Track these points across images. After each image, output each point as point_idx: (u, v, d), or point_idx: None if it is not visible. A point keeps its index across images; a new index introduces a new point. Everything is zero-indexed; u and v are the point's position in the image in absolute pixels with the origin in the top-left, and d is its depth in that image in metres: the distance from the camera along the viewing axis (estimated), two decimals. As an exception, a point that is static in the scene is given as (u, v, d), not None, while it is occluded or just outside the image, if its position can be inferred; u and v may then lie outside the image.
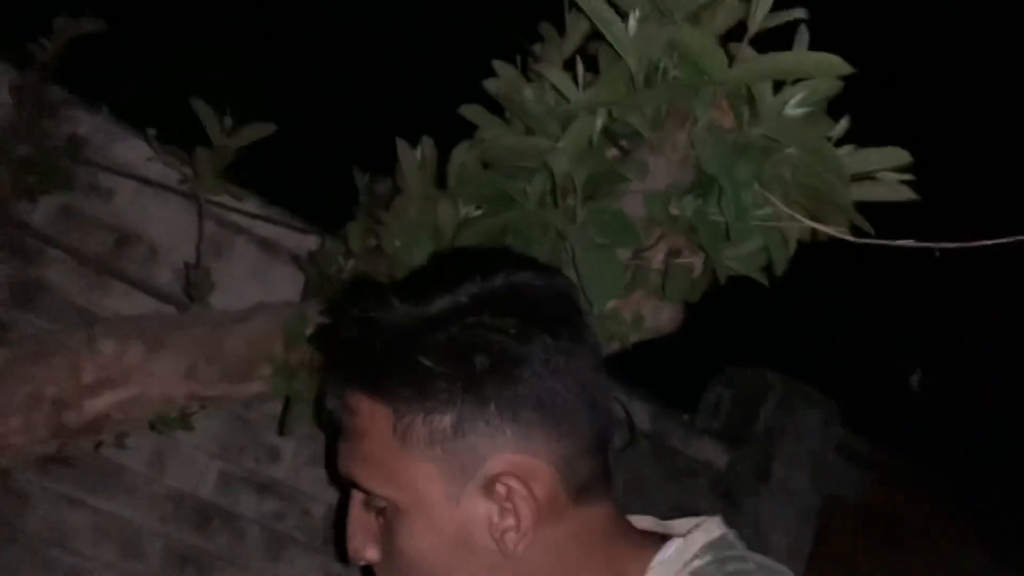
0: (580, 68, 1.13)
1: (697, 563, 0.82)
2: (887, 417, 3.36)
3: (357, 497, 0.85)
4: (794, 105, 1.03)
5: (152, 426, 1.38)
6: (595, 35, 1.35)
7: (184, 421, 1.38)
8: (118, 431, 1.38)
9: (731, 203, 1.04)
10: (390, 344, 0.79)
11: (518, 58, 1.45)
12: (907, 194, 1.12)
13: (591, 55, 1.37)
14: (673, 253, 1.20)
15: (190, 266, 1.69)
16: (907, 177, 1.13)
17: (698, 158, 1.11)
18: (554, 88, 1.37)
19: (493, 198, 1.30)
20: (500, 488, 0.78)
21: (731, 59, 1.09)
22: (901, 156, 1.10)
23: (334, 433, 0.86)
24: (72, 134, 1.91)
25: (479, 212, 1.34)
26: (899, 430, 3.34)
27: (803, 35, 1.09)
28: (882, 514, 3.13)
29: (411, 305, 0.80)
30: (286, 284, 2.44)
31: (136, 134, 2.28)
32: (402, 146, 1.41)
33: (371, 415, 0.80)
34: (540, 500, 0.79)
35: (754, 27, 1.04)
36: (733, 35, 1.16)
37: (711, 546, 0.83)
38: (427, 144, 1.42)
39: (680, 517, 0.93)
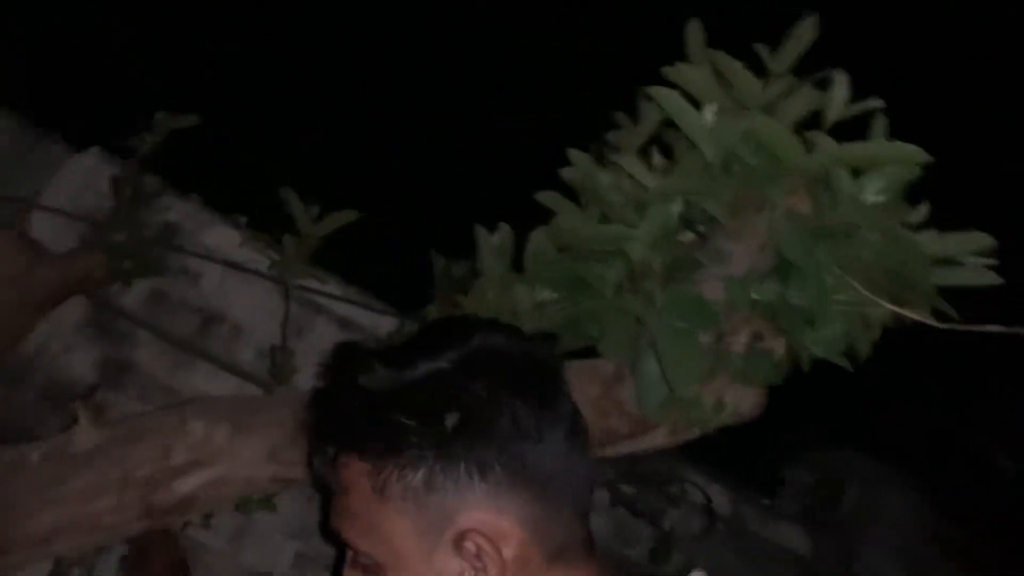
0: (655, 156, 1.15)
1: None
2: (978, 502, 3.21)
3: (348, 556, 0.88)
4: (873, 193, 1.03)
5: (237, 506, 1.40)
6: (669, 122, 1.38)
7: (267, 502, 1.41)
8: (204, 511, 1.41)
9: (812, 288, 1.04)
10: (370, 406, 0.83)
11: (592, 146, 1.49)
12: (992, 279, 1.10)
13: (666, 142, 1.40)
14: (755, 337, 1.20)
15: (275, 348, 1.74)
16: (990, 261, 1.11)
17: (777, 243, 1.11)
18: (630, 176, 1.40)
19: (569, 282, 1.31)
20: (469, 545, 0.81)
21: (808, 145, 1.11)
22: (984, 241, 1.09)
23: (323, 492, 0.90)
24: (166, 222, 2.00)
25: (555, 296, 1.36)
26: (991, 516, 3.18)
27: (880, 121, 1.09)
28: (977, 605, 2.96)
29: (394, 370, 0.84)
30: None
31: (225, 220, 2.39)
32: (480, 232, 1.45)
33: (353, 472, 0.84)
34: (507, 560, 0.80)
35: (831, 117, 1.05)
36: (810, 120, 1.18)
37: None
38: (504, 230, 1.45)
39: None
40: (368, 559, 0.84)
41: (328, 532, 0.89)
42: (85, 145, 2.38)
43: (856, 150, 1.03)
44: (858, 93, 1.14)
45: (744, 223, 1.12)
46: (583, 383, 1.34)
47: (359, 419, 0.84)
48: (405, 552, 0.82)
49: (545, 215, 1.55)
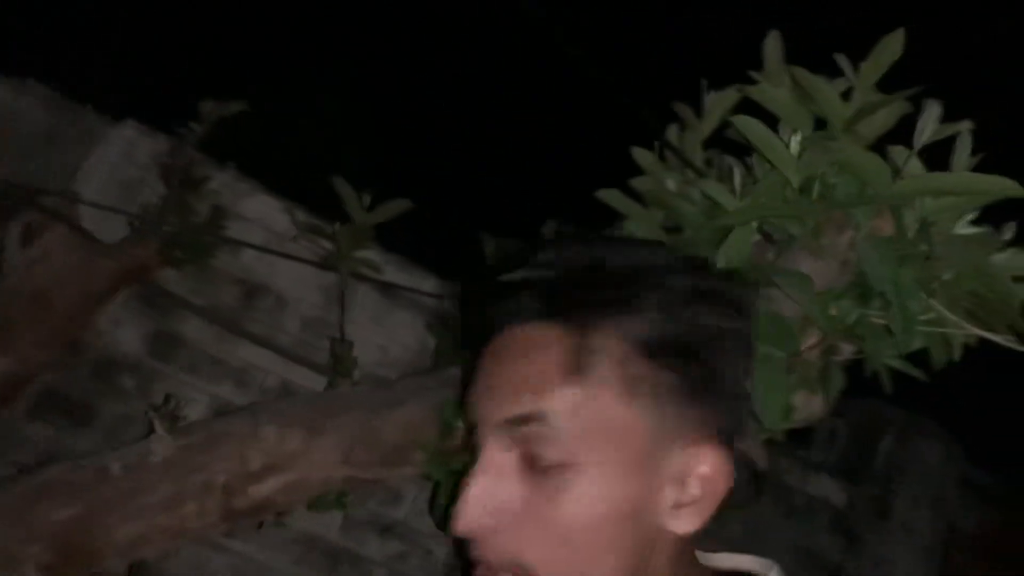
0: (737, 178, 1.14)
1: None
2: (1010, 449, 3.25)
3: (500, 456, 0.75)
4: (964, 225, 1.02)
5: (309, 505, 1.44)
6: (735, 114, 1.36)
7: (340, 502, 1.44)
8: (279, 511, 1.45)
9: (899, 315, 1.04)
10: (640, 286, 0.75)
11: (654, 143, 1.47)
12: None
13: (729, 139, 1.38)
14: (828, 349, 1.20)
15: (335, 341, 1.76)
16: (1075, 277, 1.10)
17: (859, 263, 1.11)
18: (696, 173, 1.38)
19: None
20: (702, 461, 0.74)
21: (891, 164, 1.09)
22: (1069, 261, 1.08)
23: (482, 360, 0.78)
24: (215, 206, 2.00)
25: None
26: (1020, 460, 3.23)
27: (966, 141, 1.07)
28: (1007, 548, 3.04)
29: (646, 251, 0.78)
30: (405, 328, 2.52)
31: (263, 189, 2.38)
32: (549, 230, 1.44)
33: (604, 353, 0.74)
34: (721, 499, 0.75)
35: (920, 142, 1.03)
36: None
37: None
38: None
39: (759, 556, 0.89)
40: (561, 457, 0.72)
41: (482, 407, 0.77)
42: (120, 116, 2.36)
43: (948, 181, 1.02)
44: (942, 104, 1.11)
45: (825, 243, 1.12)
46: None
47: (629, 299, 0.74)
48: (626, 456, 0.72)
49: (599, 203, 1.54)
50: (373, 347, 2.46)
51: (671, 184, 1.32)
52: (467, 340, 0.83)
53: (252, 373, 2.38)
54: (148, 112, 2.31)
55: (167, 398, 1.38)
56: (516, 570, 0.73)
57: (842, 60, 1.13)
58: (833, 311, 1.14)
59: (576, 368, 0.73)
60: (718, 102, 1.41)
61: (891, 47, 1.08)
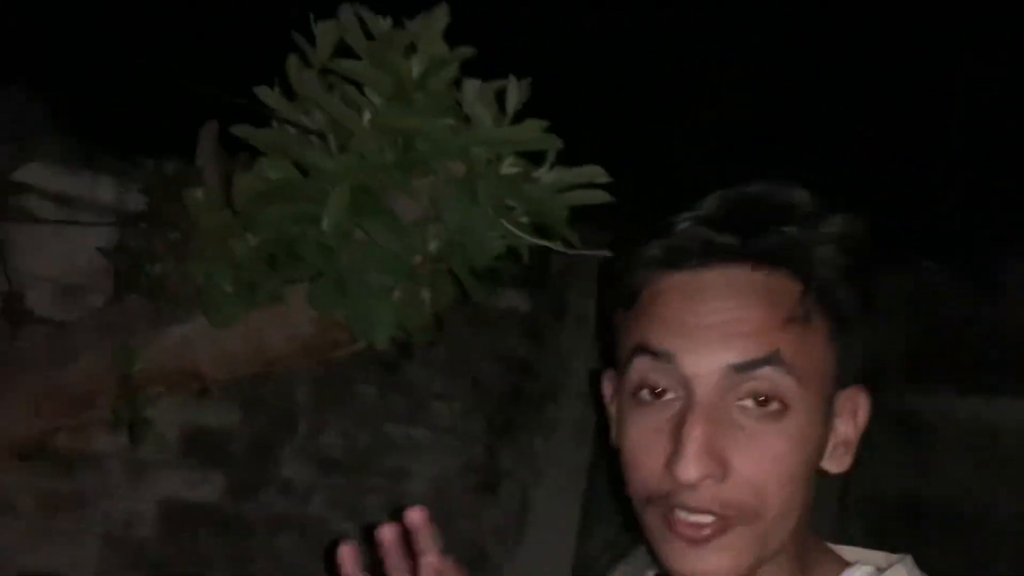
0: (332, 140, 1.32)
1: None
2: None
3: (721, 400, 0.76)
4: (508, 166, 1.30)
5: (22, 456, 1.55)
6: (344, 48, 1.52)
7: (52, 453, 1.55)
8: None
9: (473, 244, 1.32)
10: (832, 228, 0.79)
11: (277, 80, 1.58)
12: (603, 197, 1.40)
13: (338, 74, 1.53)
14: (434, 261, 1.47)
15: (2, 294, 1.77)
16: (603, 180, 1.41)
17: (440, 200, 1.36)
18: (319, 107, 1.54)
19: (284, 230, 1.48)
20: (861, 401, 0.83)
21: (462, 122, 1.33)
22: (598, 173, 1.39)
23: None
24: None
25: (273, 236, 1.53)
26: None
27: (514, 94, 1.32)
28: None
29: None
30: (81, 250, 2.35)
31: None
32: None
33: (819, 296, 0.78)
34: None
35: (510, 111, 1.28)
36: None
37: None
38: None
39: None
40: (782, 401, 0.75)
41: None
42: None
43: (496, 134, 1.28)
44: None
45: (413, 187, 1.35)
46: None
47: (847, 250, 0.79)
48: (822, 399, 0.78)
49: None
50: (54, 262, 2.32)
51: (292, 131, 1.47)
52: (623, 278, 0.85)
53: None
54: None
55: None
56: (730, 512, 0.76)
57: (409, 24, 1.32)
58: (428, 240, 1.40)
59: (799, 311, 0.76)
60: (327, 32, 1.53)
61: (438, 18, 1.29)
